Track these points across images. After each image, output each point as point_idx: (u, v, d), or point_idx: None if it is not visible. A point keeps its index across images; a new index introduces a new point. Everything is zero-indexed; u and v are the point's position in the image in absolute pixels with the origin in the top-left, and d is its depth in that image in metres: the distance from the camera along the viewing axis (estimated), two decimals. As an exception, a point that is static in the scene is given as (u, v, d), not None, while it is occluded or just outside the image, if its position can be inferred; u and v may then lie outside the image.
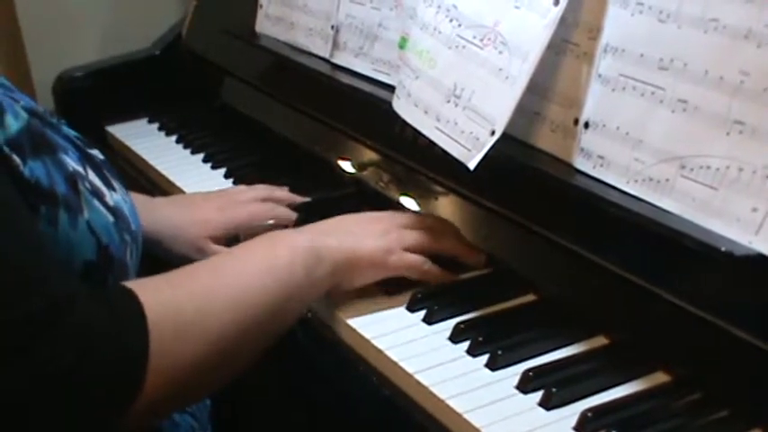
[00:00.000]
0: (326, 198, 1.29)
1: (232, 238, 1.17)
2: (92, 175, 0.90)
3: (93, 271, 0.86)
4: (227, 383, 0.87)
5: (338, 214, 1.20)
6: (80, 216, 0.84)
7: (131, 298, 0.78)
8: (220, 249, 1.15)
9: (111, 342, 0.75)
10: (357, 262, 0.98)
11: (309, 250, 0.94)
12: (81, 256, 0.84)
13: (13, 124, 0.81)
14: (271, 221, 1.19)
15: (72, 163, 0.87)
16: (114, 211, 0.89)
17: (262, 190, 1.25)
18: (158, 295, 0.81)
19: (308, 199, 1.27)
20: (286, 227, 1.17)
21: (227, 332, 0.83)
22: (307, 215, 1.21)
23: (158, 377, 0.77)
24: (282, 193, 1.26)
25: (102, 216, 0.87)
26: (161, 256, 1.15)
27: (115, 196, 0.91)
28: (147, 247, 1.01)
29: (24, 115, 0.84)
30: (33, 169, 0.81)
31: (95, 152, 0.96)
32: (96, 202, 0.87)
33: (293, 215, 1.21)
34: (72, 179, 0.85)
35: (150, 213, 1.11)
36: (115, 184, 0.94)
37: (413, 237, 1.03)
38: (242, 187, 1.29)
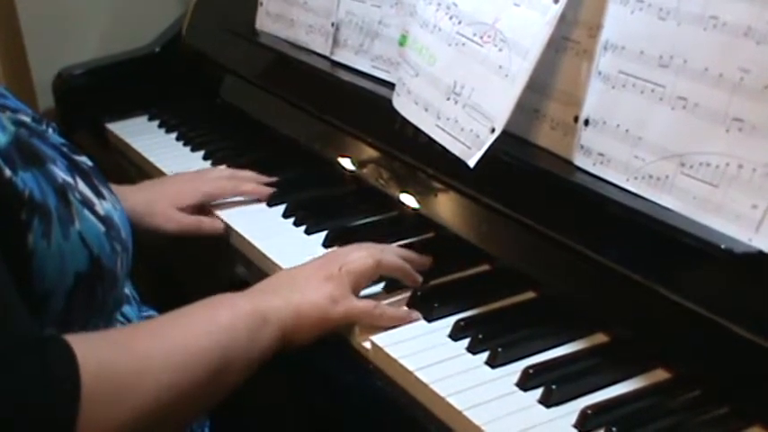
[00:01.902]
0: (326, 195, 1.30)
1: (199, 209, 1.26)
2: (81, 185, 0.89)
3: (83, 282, 0.85)
4: None
5: (339, 211, 1.21)
6: (72, 227, 0.84)
7: (68, 355, 0.75)
8: (190, 219, 1.23)
9: (40, 402, 0.72)
10: (304, 319, 0.95)
11: (252, 313, 0.91)
12: (72, 268, 0.84)
13: (1, 137, 0.81)
14: (238, 198, 1.29)
15: (61, 173, 0.87)
16: (105, 220, 0.89)
17: (226, 170, 1.36)
18: (97, 354, 0.77)
19: (274, 179, 1.33)
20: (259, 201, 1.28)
21: (163, 395, 0.80)
22: (299, 208, 1.23)
23: None
24: (246, 173, 1.33)
25: (94, 226, 0.87)
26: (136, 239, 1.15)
27: (105, 205, 0.91)
28: None
29: (11, 127, 0.83)
30: (25, 181, 0.81)
31: (83, 159, 0.96)
32: (87, 212, 0.87)
33: (263, 190, 1.29)
34: (62, 190, 0.85)
35: (123, 200, 1.11)
36: (104, 191, 0.93)
37: (353, 271, 0.99)
38: (208, 168, 1.41)
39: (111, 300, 0.92)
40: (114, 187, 0.99)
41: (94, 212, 0.88)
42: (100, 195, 0.91)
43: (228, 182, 1.29)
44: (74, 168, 0.91)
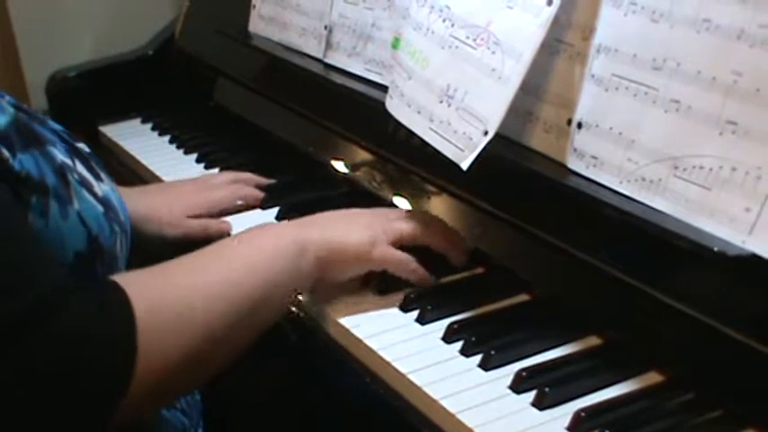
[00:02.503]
0: (320, 197, 1.29)
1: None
2: (80, 167, 0.90)
3: (83, 262, 0.86)
4: (214, 375, 0.87)
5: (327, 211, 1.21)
6: (70, 206, 0.85)
7: (119, 293, 0.78)
8: (196, 224, 1.21)
9: (99, 340, 0.75)
10: (341, 254, 0.98)
11: (293, 242, 0.94)
12: (72, 247, 0.85)
13: (0, 119, 0.82)
14: (240, 202, 1.27)
15: (60, 155, 0.88)
16: (103, 201, 0.90)
17: (229, 174, 1.34)
18: (144, 290, 0.80)
19: (273, 181, 1.33)
20: (254, 206, 1.28)
21: (213, 324, 0.83)
22: (292, 211, 1.22)
23: (146, 373, 0.77)
24: (247, 174, 1.33)
25: (92, 206, 0.88)
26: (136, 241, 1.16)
27: (103, 187, 0.92)
28: None
29: (11, 110, 0.85)
30: (23, 162, 0.82)
31: (82, 145, 0.97)
32: (85, 193, 0.88)
33: (260, 195, 1.28)
34: (61, 170, 0.86)
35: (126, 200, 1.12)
36: (103, 175, 0.94)
37: (399, 228, 1.03)
38: (212, 173, 1.39)
39: None
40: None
41: (93, 193, 0.89)
42: (98, 178, 0.93)
43: (231, 186, 1.29)
44: (73, 152, 0.92)
